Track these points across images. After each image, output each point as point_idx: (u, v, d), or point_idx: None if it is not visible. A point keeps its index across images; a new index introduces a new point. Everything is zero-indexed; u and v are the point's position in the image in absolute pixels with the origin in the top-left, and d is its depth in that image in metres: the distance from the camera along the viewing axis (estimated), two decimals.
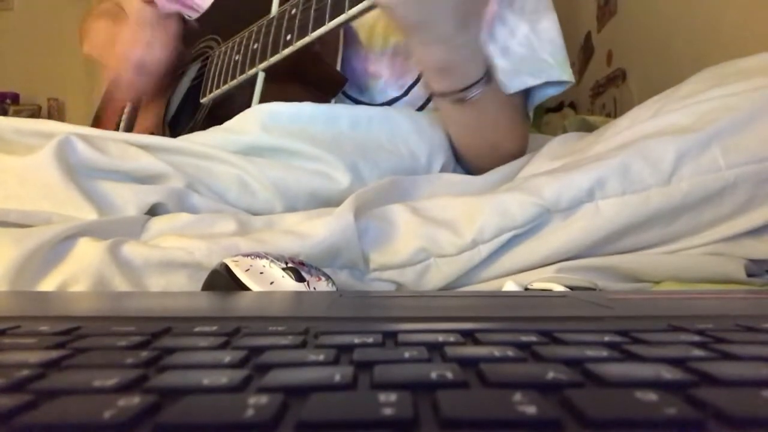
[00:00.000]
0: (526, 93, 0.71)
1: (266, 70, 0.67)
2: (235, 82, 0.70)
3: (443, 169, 0.65)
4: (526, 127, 0.69)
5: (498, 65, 0.67)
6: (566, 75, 0.69)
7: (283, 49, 0.64)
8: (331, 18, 0.59)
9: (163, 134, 0.82)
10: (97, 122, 0.92)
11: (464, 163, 0.67)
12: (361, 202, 0.50)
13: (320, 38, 0.62)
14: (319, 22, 0.61)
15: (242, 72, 0.69)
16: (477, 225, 0.47)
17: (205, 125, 0.66)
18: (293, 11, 0.64)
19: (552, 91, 0.71)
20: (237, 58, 0.71)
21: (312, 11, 0.62)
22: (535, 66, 0.68)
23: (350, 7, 0.58)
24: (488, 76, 0.58)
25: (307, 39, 0.61)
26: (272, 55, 0.65)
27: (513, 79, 0.68)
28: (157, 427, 0.11)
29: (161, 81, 0.81)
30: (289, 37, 0.63)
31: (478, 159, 0.64)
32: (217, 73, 0.74)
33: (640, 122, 0.51)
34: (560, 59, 0.69)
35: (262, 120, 0.58)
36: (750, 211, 0.45)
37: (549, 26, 0.70)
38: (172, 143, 0.54)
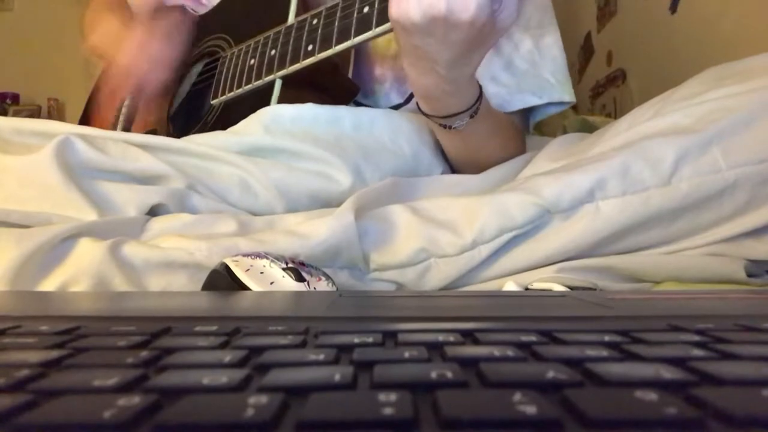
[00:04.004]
0: (527, 109, 0.71)
1: (283, 77, 0.66)
2: (250, 86, 0.70)
3: (444, 171, 0.66)
4: (521, 146, 0.69)
5: (501, 81, 0.68)
6: (567, 95, 0.70)
7: (303, 59, 0.63)
8: (357, 34, 0.59)
9: (166, 129, 0.82)
10: (88, 114, 0.92)
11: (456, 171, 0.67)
12: (362, 202, 0.50)
13: None
14: (343, 36, 0.60)
15: (258, 77, 0.68)
16: (477, 225, 0.47)
17: (216, 126, 0.66)
18: (314, 21, 0.64)
19: (553, 110, 0.72)
20: (252, 62, 0.70)
21: (336, 24, 0.61)
22: (537, 84, 0.69)
23: (377, 25, 0.57)
24: (474, 110, 0.58)
25: (329, 52, 0.60)
26: (292, 64, 0.65)
27: (515, 95, 0.69)
28: (157, 426, 0.11)
29: (170, 76, 0.80)
30: (310, 47, 0.63)
31: (466, 171, 0.65)
32: (230, 76, 0.73)
33: (640, 123, 0.51)
34: (561, 78, 0.70)
35: (265, 121, 0.58)
36: (750, 212, 0.45)
37: (552, 42, 0.70)
38: (174, 143, 0.54)
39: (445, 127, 0.59)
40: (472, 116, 0.58)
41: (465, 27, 0.47)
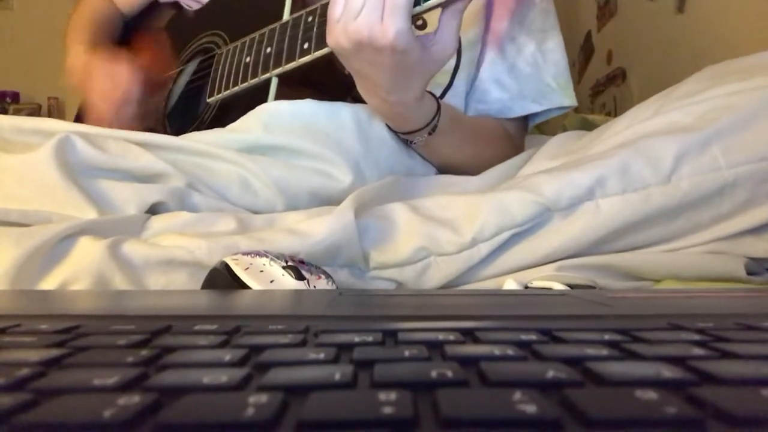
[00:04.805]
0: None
1: (279, 75, 0.66)
2: (246, 85, 0.69)
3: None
4: (507, 149, 0.69)
5: (505, 84, 0.70)
6: (568, 99, 0.71)
7: (299, 58, 0.63)
8: None
9: (163, 128, 0.82)
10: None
11: None
12: (362, 200, 0.50)
13: None
14: None
15: (254, 76, 0.68)
16: (477, 224, 0.47)
17: (212, 124, 0.66)
18: (310, 19, 0.63)
19: (554, 113, 0.74)
20: (248, 60, 0.70)
21: None
22: (538, 90, 0.70)
23: None
24: (431, 129, 0.59)
25: (326, 50, 0.60)
26: (288, 62, 0.64)
27: (516, 101, 0.70)
28: (158, 426, 0.11)
29: (146, 104, 0.81)
30: (306, 45, 0.62)
31: (449, 173, 0.65)
32: (225, 74, 0.73)
33: (640, 121, 0.51)
34: (563, 82, 0.71)
35: (263, 118, 0.58)
36: (750, 210, 0.45)
37: (554, 46, 0.71)
38: (173, 141, 0.54)
39: (407, 142, 0.62)
40: (430, 133, 0.60)
41: (388, 51, 0.49)
